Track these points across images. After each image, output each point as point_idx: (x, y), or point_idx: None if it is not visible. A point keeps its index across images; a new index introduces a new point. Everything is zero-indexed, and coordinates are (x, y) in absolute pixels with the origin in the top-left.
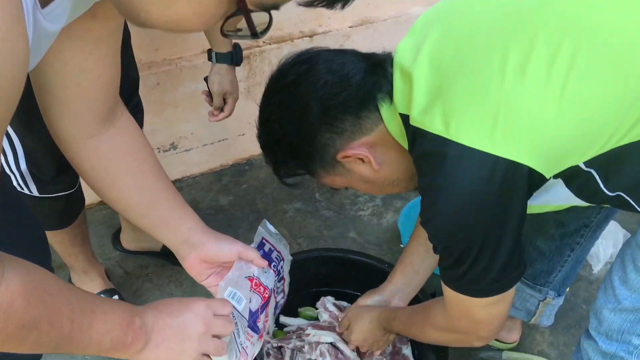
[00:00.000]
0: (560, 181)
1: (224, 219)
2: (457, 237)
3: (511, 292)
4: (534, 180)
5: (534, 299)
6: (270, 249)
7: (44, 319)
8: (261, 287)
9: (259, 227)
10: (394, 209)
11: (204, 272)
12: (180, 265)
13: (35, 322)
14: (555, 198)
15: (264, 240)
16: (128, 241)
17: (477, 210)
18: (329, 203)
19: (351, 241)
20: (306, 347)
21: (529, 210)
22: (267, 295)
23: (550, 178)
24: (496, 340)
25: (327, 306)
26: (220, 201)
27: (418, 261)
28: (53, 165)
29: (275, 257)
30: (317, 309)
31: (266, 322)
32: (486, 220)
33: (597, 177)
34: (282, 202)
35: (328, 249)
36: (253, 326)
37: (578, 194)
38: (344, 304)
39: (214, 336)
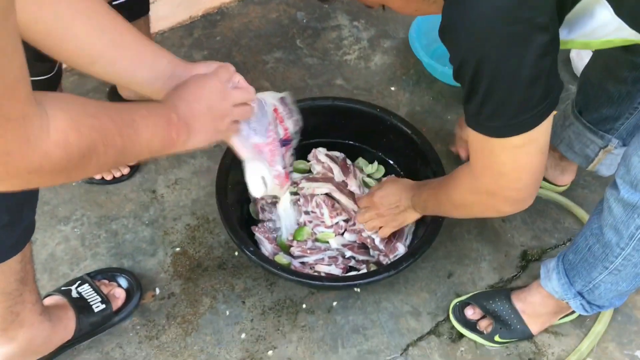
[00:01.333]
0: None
1: None
2: (469, 50)
3: (540, 134)
4: None
5: (595, 145)
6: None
7: (99, 142)
8: (283, 123)
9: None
10: (382, 49)
11: None
12: None
13: (92, 147)
14: (599, 27)
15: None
16: (127, 90)
17: (493, 20)
18: (312, 50)
19: (338, 88)
20: (301, 199)
21: (569, 46)
22: (288, 135)
23: None
24: (546, 180)
25: (319, 158)
26: (194, 56)
27: None
28: (30, 50)
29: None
30: (309, 161)
31: (285, 157)
32: (503, 34)
33: None
34: (260, 53)
35: (315, 98)
36: (282, 155)
37: (630, 18)
38: (337, 154)
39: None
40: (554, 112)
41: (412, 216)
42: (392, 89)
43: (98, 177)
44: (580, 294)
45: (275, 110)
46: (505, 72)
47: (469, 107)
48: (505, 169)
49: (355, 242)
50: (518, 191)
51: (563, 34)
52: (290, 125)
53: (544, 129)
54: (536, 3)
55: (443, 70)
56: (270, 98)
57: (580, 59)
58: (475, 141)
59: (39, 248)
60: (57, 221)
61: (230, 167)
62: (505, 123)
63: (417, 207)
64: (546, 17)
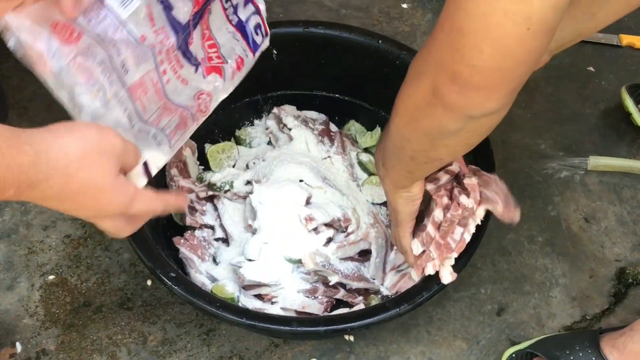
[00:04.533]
0: None
1: None
2: None
3: None
4: None
5: None
6: None
7: None
8: None
9: None
10: None
11: None
12: None
13: None
14: None
15: None
16: None
17: None
18: None
19: (316, 6)
20: (257, 191)
21: None
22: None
23: None
24: None
25: (285, 121)
26: None
27: None
28: None
29: None
30: (267, 128)
31: (210, 45)
32: None
33: None
34: None
35: (276, 24)
36: (185, 50)
37: None
38: (314, 115)
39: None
40: None
41: (389, 191)
42: (404, 6)
43: None
44: None
45: None
46: None
47: None
48: (467, 25)
49: (346, 259)
50: (471, 69)
51: None
52: None
53: None
54: None
55: None
56: None
57: None
58: None
59: None
60: None
61: None
62: None
63: (377, 161)
64: None
